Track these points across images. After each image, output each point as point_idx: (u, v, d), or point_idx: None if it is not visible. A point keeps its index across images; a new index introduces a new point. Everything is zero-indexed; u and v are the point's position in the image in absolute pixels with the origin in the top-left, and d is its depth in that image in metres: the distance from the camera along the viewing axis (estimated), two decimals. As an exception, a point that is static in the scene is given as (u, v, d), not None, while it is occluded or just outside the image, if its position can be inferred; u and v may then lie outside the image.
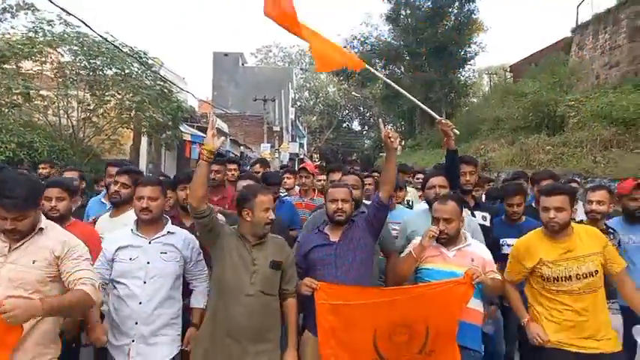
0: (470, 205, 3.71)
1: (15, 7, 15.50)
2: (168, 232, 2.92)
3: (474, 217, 3.62)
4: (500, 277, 2.89)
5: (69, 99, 11.29)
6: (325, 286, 2.78)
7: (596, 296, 2.75)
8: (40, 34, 11.01)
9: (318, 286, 2.76)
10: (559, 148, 9.02)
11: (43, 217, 2.42)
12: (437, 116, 3.78)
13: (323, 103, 51.24)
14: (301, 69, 52.24)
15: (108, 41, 11.37)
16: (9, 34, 12.34)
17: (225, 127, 24.28)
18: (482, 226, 3.59)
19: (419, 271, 2.98)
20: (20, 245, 2.28)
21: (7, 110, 9.68)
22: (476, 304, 2.86)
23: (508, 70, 26.96)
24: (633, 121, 8.40)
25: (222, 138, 2.68)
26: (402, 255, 3.10)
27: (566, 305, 2.74)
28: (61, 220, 3.03)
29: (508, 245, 3.58)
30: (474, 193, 4.22)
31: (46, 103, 11.02)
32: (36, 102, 10.61)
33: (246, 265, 2.70)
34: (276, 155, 29.31)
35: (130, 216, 3.14)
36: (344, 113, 51.70)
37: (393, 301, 2.74)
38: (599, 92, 11.41)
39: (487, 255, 2.99)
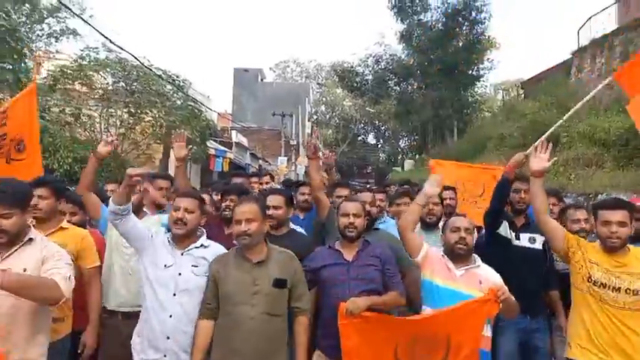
0: (517, 225, 3.54)
1: (59, 32, 17.18)
2: (202, 245, 2.80)
3: (519, 239, 3.47)
4: (514, 300, 2.72)
5: (110, 117, 12.72)
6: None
7: None
8: (87, 60, 12.50)
9: (341, 307, 2.64)
10: (546, 166, 9.94)
11: (33, 229, 2.46)
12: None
13: (339, 117, 52.46)
14: (318, 84, 53.75)
15: (145, 66, 12.79)
16: (56, 58, 13.88)
17: (245, 141, 25.65)
18: (530, 249, 3.44)
19: (426, 284, 2.92)
20: (11, 253, 2.31)
21: (59, 128, 11.07)
22: (485, 329, 2.78)
23: (519, 86, 27.91)
24: (612, 142, 9.35)
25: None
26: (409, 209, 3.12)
27: (610, 320, 2.67)
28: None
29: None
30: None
31: (90, 121, 12.46)
32: (83, 120, 12.04)
33: (246, 287, 2.58)
34: (292, 168, 30.45)
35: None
36: (359, 127, 52.75)
37: (416, 321, 2.77)
38: (591, 114, 12.36)
39: (497, 278, 2.86)
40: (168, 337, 2.63)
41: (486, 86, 36.38)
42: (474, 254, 2.96)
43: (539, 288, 3.37)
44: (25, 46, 8.77)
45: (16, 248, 2.32)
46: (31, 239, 2.38)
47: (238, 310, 2.55)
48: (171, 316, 2.63)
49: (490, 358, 2.90)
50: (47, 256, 2.33)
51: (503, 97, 36.52)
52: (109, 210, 2.70)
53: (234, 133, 23.98)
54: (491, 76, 60.91)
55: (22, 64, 8.46)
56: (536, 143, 3.13)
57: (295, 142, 34.69)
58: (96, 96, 12.52)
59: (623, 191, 7.08)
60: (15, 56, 8.20)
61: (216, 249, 2.85)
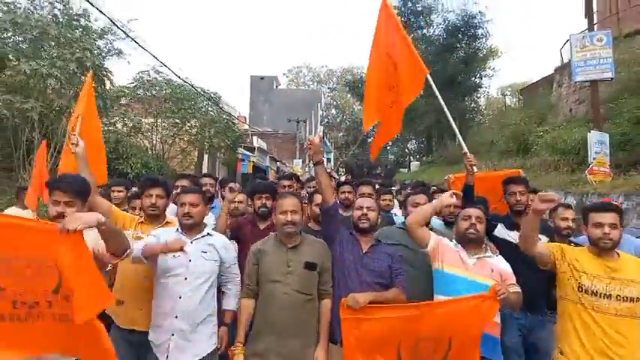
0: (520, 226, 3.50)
1: (106, 52, 19.75)
2: (208, 233, 3.07)
3: None
4: (519, 291, 2.83)
5: (158, 128, 15.32)
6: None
7: (635, 324, 2.64)
8: (140, 81, 15.09)
9: (344, 302, 2.76)
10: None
11: None
12: (465, 148, 3.99)
13: (349, 119, 54.78)
14: (329, 88, 56.25)
15: (191, 86, 15.37)
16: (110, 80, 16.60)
17: (264, 145, 28.18)
18: None
19: (437, 273, 3.03)
20: None
21: (124, 138, 13.61)
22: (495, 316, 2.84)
23: (519, 92, 30.08)
24: (568, 151, 11.50)
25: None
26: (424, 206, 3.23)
27: (601, 327, 2.64)
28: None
29: None
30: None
31: (145, 132, 15.07)
32: (142, 131, 14.65)
33: (282, 267, 2.91)
34: (306, 170, 32.71)
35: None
36: (369, 130, 54.64)
37: (419, 316, 2.74)
38: (562, 125, 14.63)
39: (508, 268, 2.97)
40: (176, 317, 2.82)
41: (488, 92, 38.69)
42: (488, 244, 3.10)
43: (541, 286, 3.33)
44: (106, 75, 11.10)
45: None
46: None
47: (274, 287, 2.87)
48: (180, 297, 2.84)
49: (499, 344, 2.98)
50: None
51: (504, 102, 38.75)
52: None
53: (255, 138, 26.53)
54: (499, 79, 62.74)
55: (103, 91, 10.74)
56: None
57: (309, 145, 36.87)
58: (147, 110, 15.12)
59: (554, 189, 9.40)
60: (103, 86, 10.68)
61: (222, 238, 3.16)
